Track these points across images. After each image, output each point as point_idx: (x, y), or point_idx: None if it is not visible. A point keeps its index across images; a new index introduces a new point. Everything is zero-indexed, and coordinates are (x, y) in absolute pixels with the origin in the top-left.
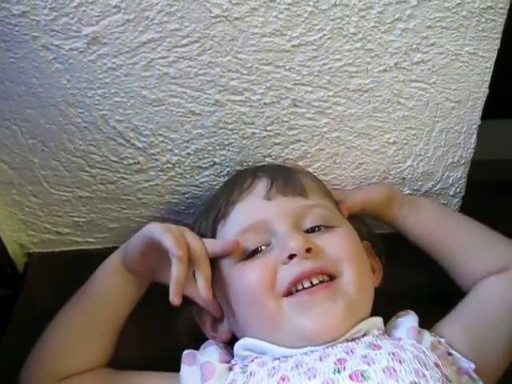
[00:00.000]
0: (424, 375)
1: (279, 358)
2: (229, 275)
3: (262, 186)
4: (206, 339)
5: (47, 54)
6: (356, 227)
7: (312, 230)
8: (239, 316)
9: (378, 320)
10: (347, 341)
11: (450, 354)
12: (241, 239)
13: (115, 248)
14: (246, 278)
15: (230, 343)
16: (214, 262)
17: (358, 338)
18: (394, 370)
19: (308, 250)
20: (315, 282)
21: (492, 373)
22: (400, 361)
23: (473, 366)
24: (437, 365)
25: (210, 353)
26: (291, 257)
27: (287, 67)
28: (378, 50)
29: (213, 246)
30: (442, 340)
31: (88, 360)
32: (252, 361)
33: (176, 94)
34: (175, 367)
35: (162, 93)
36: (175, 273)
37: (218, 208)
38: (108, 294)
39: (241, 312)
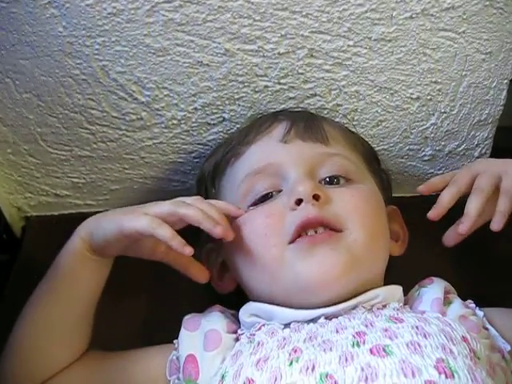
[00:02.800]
0: (451, 351)
1: (289, 326)
2: (236, 221)
3: (280, 128)
4: (207, 302)
5: None
6: (383, 189)
7: (330, 182)
8: (242, 263)
9: (397, 289)
10: (365, 310)
11: (486, 328)
12: (251, 181)
13: None
14: (252, 224)
15: (234, 305)
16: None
17: (378, 310)
18: (419, 344)
19: (316, 197)
20: (320, 230)
21: None
22: (425, 335)
23: (508, 347)
24: (464, 339)
25: (216, 320)
26: (299, 202)
27: (304, 13)
28: None
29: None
30: (480, 313)
31: (67, 355)
32: (259, 329)
33: (182, 42)
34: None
35: (167, 41)
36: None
37: (232, 146)
38: (76, 282)
39: (244, 258)
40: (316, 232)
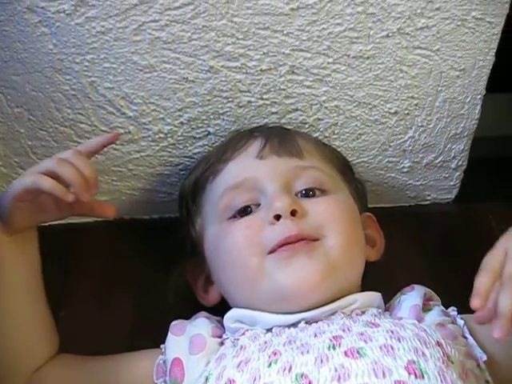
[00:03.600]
0: (423, 354)
1: (271, 331)
2: (217, 233)
3: (256, 145)
4: (193, 309)
5: (32, 17)
6: (358, 198)
7: (306, 194)
8: (224, 275)
9: (376, 296)
10: (344, 315)
11: (464, 337)
12: (230, 195)
13: (105, 222)
14: (231, 236)
15: (220, 314)
16: (205, 219)
17: (356, 316)
18: (392, 347)
19: (293, 213)
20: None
21: (504, 373)
22: (399, 339)
23: (484, 357)
24: (439, 343)
25: (202, 325)
26: (277, 217)
27: (285, 32)
28: (380, 15)
29: (89, 146)
30: (461, 322)
31: (37, 346)
32: (243, 334)
33: (168, 59)
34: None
35: (154, 58)
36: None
37: (210, 164)
38: (7, 272)
39: (225, 270)
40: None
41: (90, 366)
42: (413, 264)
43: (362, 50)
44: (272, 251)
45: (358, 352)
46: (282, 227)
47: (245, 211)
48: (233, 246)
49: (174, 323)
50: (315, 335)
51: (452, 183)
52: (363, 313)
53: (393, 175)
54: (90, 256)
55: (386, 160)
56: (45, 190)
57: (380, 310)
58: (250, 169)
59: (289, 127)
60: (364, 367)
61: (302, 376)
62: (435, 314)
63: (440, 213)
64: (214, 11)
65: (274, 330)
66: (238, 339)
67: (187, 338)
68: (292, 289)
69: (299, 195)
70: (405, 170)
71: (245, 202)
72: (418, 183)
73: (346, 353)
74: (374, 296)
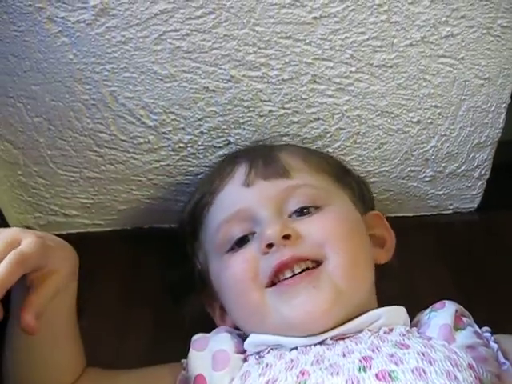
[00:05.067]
0: (456, 377)
1: (297, 348)
2: (218, 267)
3: (241, 171)
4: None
5: (53, 27)
6: (360, 199)
7: (300, 214)
8: (232, 308)
9: (401, 311)
10: (371, 334)
11: (499, 362)
12: (225, 228)
13: (124, 231)
14: (229, 271)
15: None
16: (207, 254)
17: (384, 335)
18: (424, 371)
19: (286, 237)
20: (297, 270)
21: None
22: (430, 361)
23: None
24: (471, 366)
25: (224, 340)
26: (270, 246)
27: (307, 41)
28: (404, 23)
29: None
30: (494, 345)
31: (68, 364)
32: (268, 352)
33: (189, 69)
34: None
35: (175, 68)
36: None
37: (201, 196)
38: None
39: (232, 304)
40: (293, 271)
41: (116, 383)
42: (436, 274)
43: (386, 59)
44: (270, 282)
45: (389, 375)
46: (275, 255)
47: (242, 241)
48: (233, 281)
49: (195, 338)
50: (344, 355)
51: (474, 192)
52: (391, 330)
53: (415, 184)
54: (109, 265)
55: (408, 169)
56: None
57: (408, 328)
58: (239, 199)
59: (306, 139)
60: None
61: None
62: (467, 336)
63: (462, 222)
64: (235, 20)
65: (299, 347)
66: (263, 357)
67: (210, 354)
68: (301, 320)
69: (294, 215)
70: (427, 179)
71: (240, 233)
72: (440, 192)
73: (377, 376)
74: (399, 311)
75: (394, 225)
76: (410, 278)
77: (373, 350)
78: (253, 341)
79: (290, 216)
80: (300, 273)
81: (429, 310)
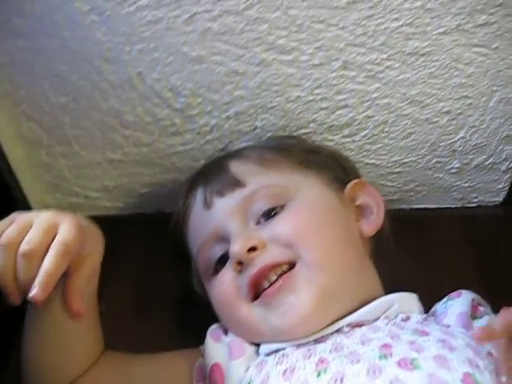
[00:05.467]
0: (477, 365)
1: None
2: (208, 290)
3: (200, 195)
4: None
5: (83, 5)
6: (336, 176)
7: (269, 215)
8: (228, 328)
9: (412, 298)
10: (388, 321)
11: None
12: (202, 256)
13: (145, 214)
14: (213, 294)
15: None
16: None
17: (402, 322)
18: (446, 358)
19: (252, 249)
20: (273, 278)
21: None
22: (451, 348)
23: None
24: (490, 354)
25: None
26: (239, 263)
27: (340, 26)
28: (439, 10)
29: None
30: None
31: (83, 360)
32: (284, 348)
33: (219, 51)
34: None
35: (204, 50)
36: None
37: (176, 225)
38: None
39: (226, 325)
40: (270, 281)
41: (134, 367)
42: (459, 267)
43: (418, 47)
44: (253, 298)
45: (411, 363)
46: (247, 270)
47: (223, 261)
48: (219, 304)
49: (212, 328)
50: (362, 343)
51: (500, 186)
52: (408, 318)
53: (440, 176)
54: (130, 249)
55: (435, 160)
56: None
57: (424, 316)
58: (205, 223)
59: (333, 126)
60: (420, 380)
61: None
62: (484, 324)
63: (487, 216)
64: (268, 3)
65: (315, 337)
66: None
67: (226, 343)
68: (293, 327)
69: (263, 220)
70: (453, 170)
71: (216, 254)
72: (466, 185)
73: (399, 363)
74: (411, 297)
75: (417, 216)
76: (434, 270)
77: (392, 337)
78: (265, 348)
79: (258, 223)
80: (277, 279)
81: (445, 299)
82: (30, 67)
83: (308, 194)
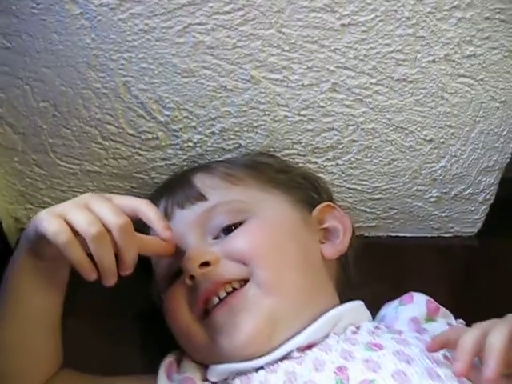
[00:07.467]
0: (438, 375)
1: (263, 367)
2: (164, 301)
3: (162, 205)
4: None
5: (73, 8)
6: (304, 196)
7: (228, 230)
8: (180, 344)
9: (359, 305)
10: (339, 338)
11: None
12: (160, 265)
13: None
14: (168, 306)
15: None
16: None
17: (352, 336)
18: (404, 373)
19: (205, 264)
20: (223, 295)
21: None
22: (408, 361)
23: None
24: (446, 357)
25: (191, 368)
26: (192, 277)
27: (332, 48)
28: (429, 39)
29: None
30: None
31: (43, 363)
32: (233, 378)
33: (209, 65)
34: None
35: (195, 63)
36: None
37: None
38: (34, 297)
39: (179, 341)
40: (220, 297)
41: None
42: (433, 295)
43: (407, 74)
44: (202, 315)
45: None
46: (199, 285)
47: (178, 274)
48: (170, 319)
49: (165, 361)
50: (316, 369)
51: (477, 217)
52: (358, 329)
53: (419, 204)
54: None
55: (415, 188)
56: (68, 259)
57: (375, 324)
58: None
59: (318, 148)
60: None
61: None
62: (439, 327)
63: (462, 246)
64: (263, 19)
65: (265, 367)
66: (229, 383)
67: (178, 381)
68: (240, 347)
69: (222, 235)
70: (432, 199)
71: (173, 266)
72: (443, 214)
73: None
74: (359, 306)
75: (394, 244)
76: None
77: (345, 358)
78: (214, 371)
79: (216, 237)
80: (226, 297)
81: (396, 303)
82: (12, 68)
83: (269, 212)
